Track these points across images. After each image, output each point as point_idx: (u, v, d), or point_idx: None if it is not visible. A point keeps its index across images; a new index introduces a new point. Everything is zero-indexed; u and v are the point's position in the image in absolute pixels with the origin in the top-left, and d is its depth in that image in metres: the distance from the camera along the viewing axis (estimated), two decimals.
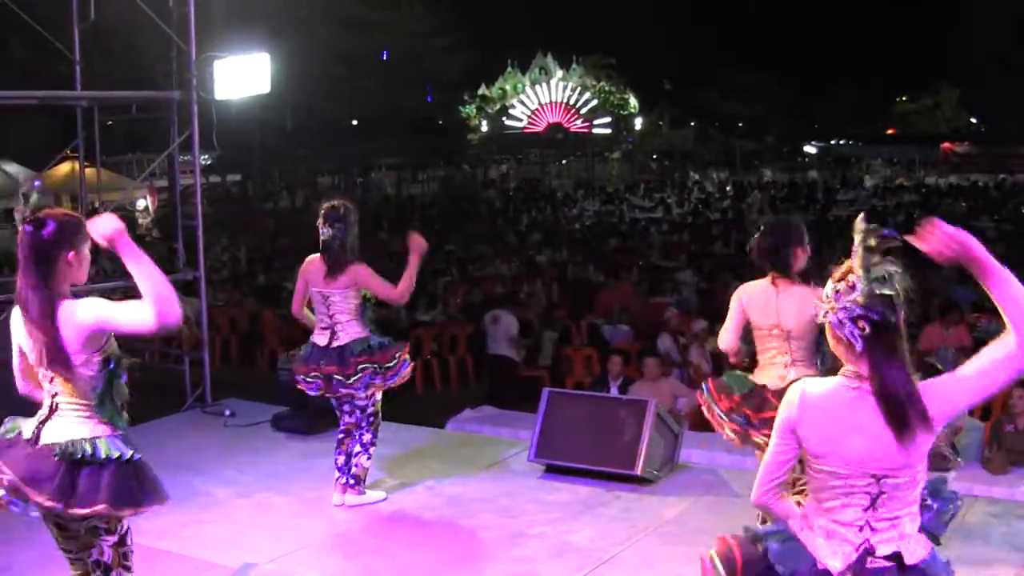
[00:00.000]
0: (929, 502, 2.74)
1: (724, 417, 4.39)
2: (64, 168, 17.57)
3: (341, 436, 5.66)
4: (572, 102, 54.89)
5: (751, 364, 4.57)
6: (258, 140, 30.50)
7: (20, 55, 17.90)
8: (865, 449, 2.52)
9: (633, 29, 59.54)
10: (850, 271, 2.53)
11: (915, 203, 30.04)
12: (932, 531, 2.70)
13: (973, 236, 2.48)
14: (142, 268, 2.99)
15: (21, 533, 4.82)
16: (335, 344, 5.46)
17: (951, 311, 9.90)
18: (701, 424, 6.14)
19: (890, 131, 59.22)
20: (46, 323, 3.09)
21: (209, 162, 33.01)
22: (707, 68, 53.82)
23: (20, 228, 3.13)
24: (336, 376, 5.41)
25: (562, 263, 17.65)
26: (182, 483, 5.82)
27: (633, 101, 55.93)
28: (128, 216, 24.39)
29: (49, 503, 3.06)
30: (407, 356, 5.58)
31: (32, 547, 4.77)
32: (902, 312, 2.51)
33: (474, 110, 53.99)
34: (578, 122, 55.01)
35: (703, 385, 4.59)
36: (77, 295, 3.20)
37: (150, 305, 2.97)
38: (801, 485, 3.09)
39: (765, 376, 4.40)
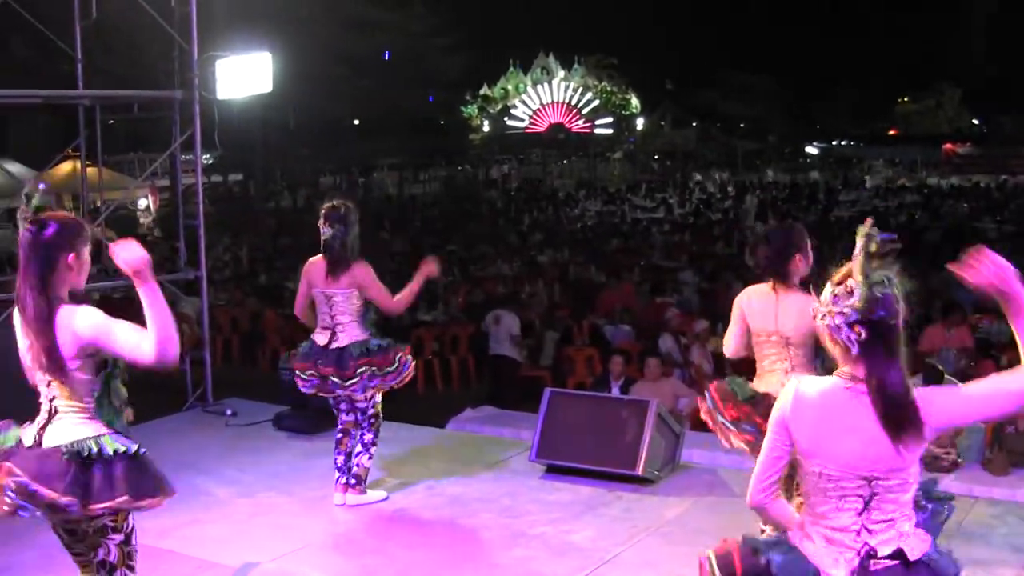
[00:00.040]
0: (924, 503, 2.73)
1: (732, 427, 4.32)
2: (66, 167, 17.55)
3: (339, 435, 5.66)
4: (574, 102, 54.93)
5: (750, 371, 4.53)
6: (260, 140, 30.48)
7: (22, 54, 17.89)
8: (857, 450, 2.51)
9: (633, 29, 59.63)
10: (849, 275, 2.52)
11: (917, 204, 30.07)
12: (927, 531, 2.68)
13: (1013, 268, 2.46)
14: (156, 305, 3.01)
15: (21, 533, 4.80)
16: (334, 345, 5.45)
17: (953, 312, 9.90)
18: (702, 425, 6.13)
19: (892, 132, 59.20)
20: (42, 326, 3.08)
21: (211, 161, 33.05)
22: (707, 68, 53.89)
23: (22, 229, 3.12)
24: (333, 378, 5.41)
25: (564, 263, 17.64)
26: (183, 482, 5.77)
27: (635, 101, 55.97)
28: (129, 215, 24.39)
29: (65, 500, 3.03)
30: (408, 356, 5.56)
31: (32, 547, 4.78)
32: (901, 315, 2.50)
33: (476, 110, 54.00)
34: (580, 122, 55.06)
35: (705, 392, 4.53)
36: (77, 295, 3.19)
37: (153, 341, 2.98)
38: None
39: (765, 383, 4.34)
